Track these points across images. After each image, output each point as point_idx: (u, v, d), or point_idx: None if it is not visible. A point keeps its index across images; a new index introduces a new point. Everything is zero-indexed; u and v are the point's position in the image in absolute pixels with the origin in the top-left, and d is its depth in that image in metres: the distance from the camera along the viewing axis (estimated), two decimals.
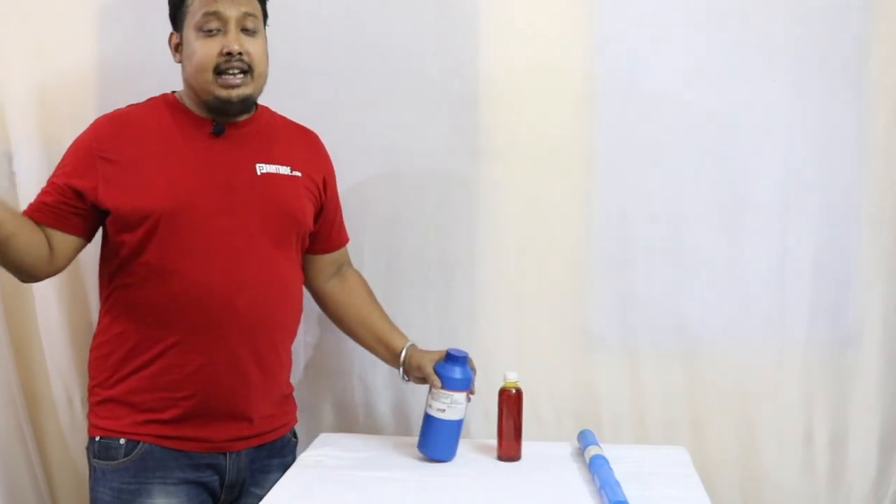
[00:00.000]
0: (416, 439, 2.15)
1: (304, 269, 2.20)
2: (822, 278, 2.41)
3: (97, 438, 2.03)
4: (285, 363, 2.14)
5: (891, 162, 2.40)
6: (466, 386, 2.08)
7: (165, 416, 1.99)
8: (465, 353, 2.10)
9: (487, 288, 2.47)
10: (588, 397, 2.45)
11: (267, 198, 2.04)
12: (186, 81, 2.04)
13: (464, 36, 2.43)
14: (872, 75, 2.38)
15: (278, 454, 2.14)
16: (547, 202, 2.45)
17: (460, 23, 2.43)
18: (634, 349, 2.44)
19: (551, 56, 2.43)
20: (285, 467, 2.08)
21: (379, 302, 2.27)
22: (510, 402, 2.10)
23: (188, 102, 2.05)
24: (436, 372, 2.09)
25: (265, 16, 2.09)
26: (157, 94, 2.09)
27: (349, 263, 2.31)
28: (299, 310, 2.15)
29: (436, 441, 2.09)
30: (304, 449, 2.20)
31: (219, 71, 1.97)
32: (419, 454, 2.12)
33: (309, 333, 2.42)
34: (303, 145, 2.17)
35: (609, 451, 2.07)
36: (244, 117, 2.07)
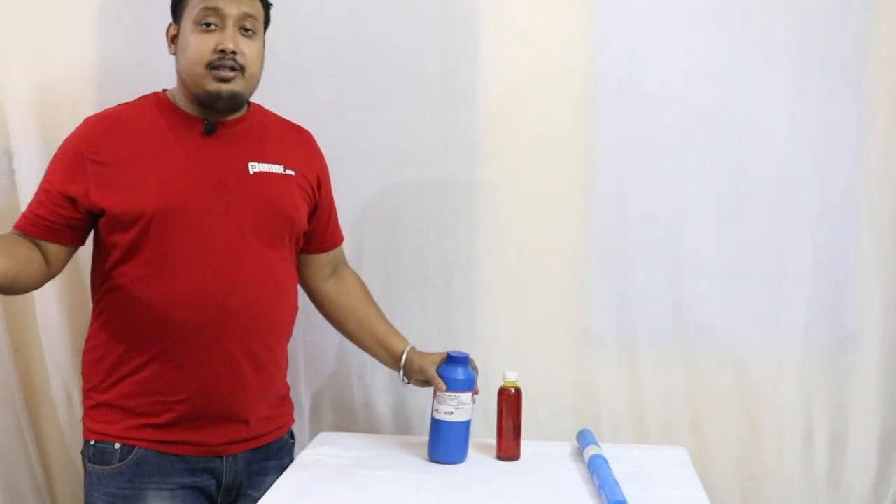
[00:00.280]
0: (415, 438, 2.15)
1: (300, 269, 2.18)
2: (821, 278, 2.42)
3: (92, 442, 2.01)
4: (281, 364, 2.12)
5: (890, 162, 2.40)
6: (471, 386, 2.08)
7: (160, 420, 1.97)
8: (465, 354, 2.10)
9: (487, 288, 2.47)
10: (587, 397, 2.45)
11: (259, 197, 2.01)
12: (178, 74, 2.02)
13: (464, 36, 2.44)
14: (872, 75, 2.39)
15: (275, 456, 2.12)
16: (547, 202, 2.45)
17: (461, 23, 2.43)
18: (634, 349, 2.44)
19: (551, 56, 2.43)
20: (282, 469, 2.05)
21: (376, 302, 2.26)
22: (510, 402, 2.10)
23: (179, 100, 2.03)
24: (439, 374, 2.08)
25: (267, 21, 2.08)
26: None
27: (345, 263, 2.29)
28: (294, 309, 2.13)
29: (447, 444, 2.08)
30: (302, 449, 2.19)
31: (211, 67, 1.95)
32: (419, 453, 2.12)
33: (308, 332, 2.42)
34: (296, 144, 2.15)
35: (608, 450, 2.06)
36: (236, 115, 2.05)
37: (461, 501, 1.93)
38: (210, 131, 2.00)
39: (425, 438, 2.12)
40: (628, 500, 1.80)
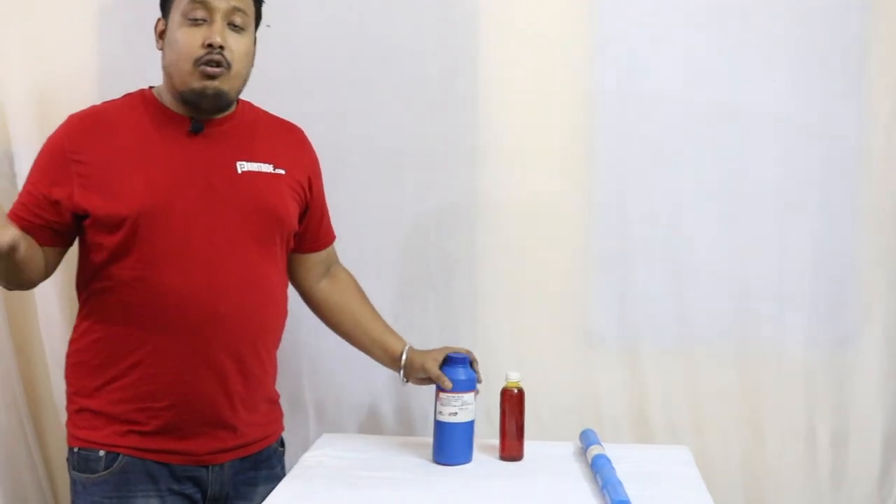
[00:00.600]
0: (419, 439, 2.15)
1: (293, 270, 2.15)
2: (822, 277, 2.42)
3: (76, 449, 1.97)
4: (269, 370, 2.07)
5: (890, 161, 2.41)
6: (473, 386, 2.08)
7: (145, 427, 1.93)
8: (464, 354, 2.10)
9: (488, 289, 2.47)
10: (590, 397, 2.45)
11: (248, 197, 1.96)
12: (165, 70, 1.97)
13: (464, 37, 2.43)
14: (872, 75, 2.39)
15: (265, 465, 2.08)
16: (547, 202, 2.45)
17: (461, 24, 2.43)
18: (635, 349, 2.44)
19: (551, 57, 2.43)
20: (274, 478, 2.04)
21: (372, 302, 2.23)
22: (512, 402, 2.10)
23: (166, 98, 1.98)
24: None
25: (259, 17, 2.03)
26: None
27: (337, 261, 2.25)
28: (284, 314, 2.08)
29: (452, 446, 2.07)
30: (294, 454, 2.17)
31: (198, 63, 1.90)
32: (422, 454, 2.12)
33: (310, 333, 2.41)
34: (286, 142, 2.09)
35: (611, 450, 2.06)
36: (223, 113, 2.00)
37: (464, 502, 1.93)
38: (197, 130, 1.96)
39: (429, 439, 2.12)
40: (631, 499, 1.80)
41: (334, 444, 2.21)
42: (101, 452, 1.94)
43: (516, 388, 2.11)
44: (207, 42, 1.89)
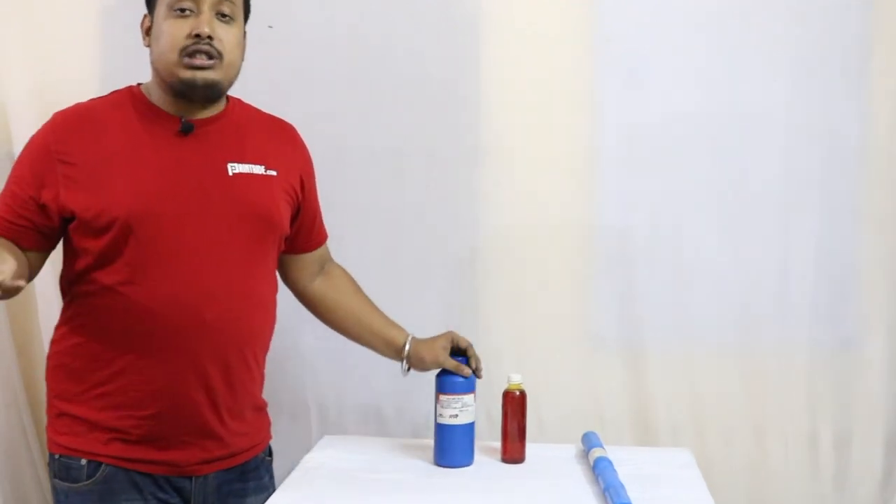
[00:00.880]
0: (421, 441, 2.14)
1: (286, 270, 2.12)
2: (824, 278, 2.42)
3: (57, 456, 1.91)
4: (257, 378, 2.01)
5: (892, 162, 2.41)
6: (472, 387, 2.08)
7: (129, 435, 1.87)
8: (463, 356, 2.10)
9: (490, 290, 2.47)
10: (592, 399, 2.45)
11: (239, 200, 1.91)
12: (153, 65, 1.90)
13: (465, 37, 2.43)
14: (873, 76, 2.39)
15: (253, 475, 2.03)
16: (548, 203, 2.45)
17: (462, 24, 2.43)
18: (637, 351, 2.44)
19: (552, 57, 2.43)
20: (262, 489, 2.01)
21: (367, 295, 2.19)
22: (514, 404, 2.10)
23: (154, 95, 1.91)
24: (440, 379, 2.07)
25: (248, 8, 1.96)
26: None
27: (331, 259, 2.20)
28: (273, 320, 2.03)
29: (453, 448, 2.07)
30: (295, 455, 2.15)
31: (186, 54, 1.83)
32: (424, 456, 2.11)
33: (312, 335, 2.41)
34: (278, 140, 2.03)
35: (613, 453, 2.06)
36: (214, 112, 1.93)
37: None
38: (187, 131, 1.89)
39: (430, 441, 2.12)
40: (633, 502, 1.79)
41: (336, 445, 2.21)
42: (83, 461, 1.89)
43: (518, 390, 2.10)
44: (195, 32, 1.83)
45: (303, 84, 2.40)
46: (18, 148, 2.36)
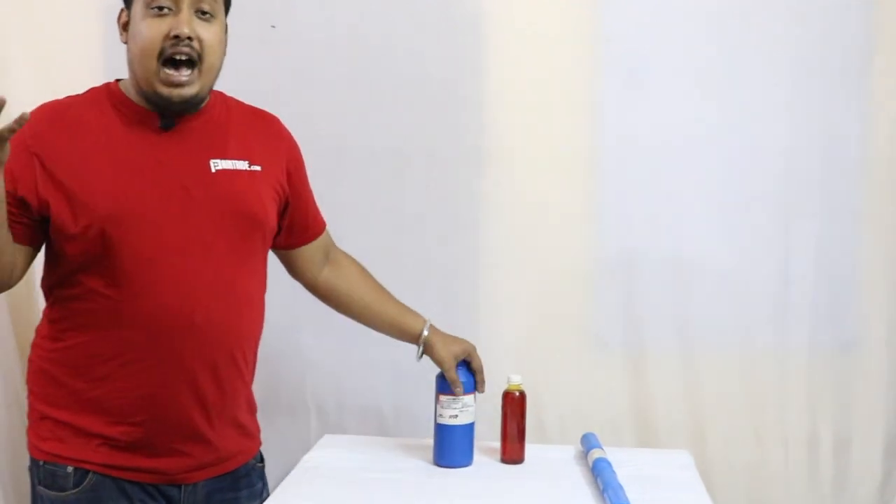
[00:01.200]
0: (420, 440, 2.15)
1: (291, 265, 2.09)
2: (825, 281, 2.42)
3: (42, 463, 1.85)
4: (247, 381, 1.96)
5: (893, 164, 2.40)
6: (472, 388, 2.09)
7: (116, 442, 1.82)
8: (464, 358, 2.11)
9: (491, 291, 2.47)
10: (591, 400, 2.45)
11: (223, 198, 1.84)
12: (130, 65, 1.82)
13: (466, 37, 2.43)
14: (875, 78, 2.39)
15: (244, 482, 1.98)
16: (550, 205, 2.46)
17: (463, 24, 2.43)
18: (638, 352, 2.45)
19: (554, 58, 2.43)
20: (255, 496, 1.98)
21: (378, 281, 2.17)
22: (514, 405, 2.10)
23: (133, 93, 1.83)
24: (440, 379, 2.08)
25: (228, 3, 1.88)
26: None
27: (335, 246, 2.15)
28: (261, 320, 1.97)
29: (453, 448, 2.07)
30: (295, 454, 2.16)
31: (164, 57, 1.75)
32: (423, 456, 2.12)
33: (311, 334, 2.42)
34: (262, 134, 1.96)
35: (612, 454, 2.06)
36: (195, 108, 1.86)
37: None
38: (167, 127, 1.82)
39: (430, 441, 2.12)
40: (632, 503, 1.80)
41: (335, 444, 2.22)
42: (70, 468, 1.83)
43: (518, 390, 2.11)
44: (174, 33, 1.75)
45: (304, 84, 2.40)
46: None
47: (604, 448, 2.10)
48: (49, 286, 1.86)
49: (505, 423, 2.11)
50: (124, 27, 1.84)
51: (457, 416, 2.06)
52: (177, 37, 1.75)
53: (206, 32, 1.78)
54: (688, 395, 2.44)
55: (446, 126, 2.44)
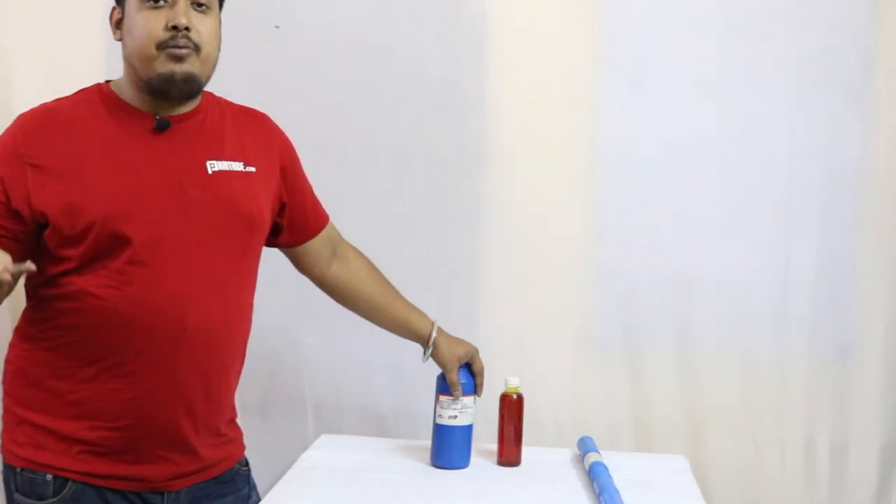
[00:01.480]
0: (418, 441, 2.15)
1: (298, 262, 2.07)
2: (824, 287, 2.42)
3: (19, 469, 1.79)
4: (232, 387, 1.93)
5: (894, 173, 2.40)
6: (472, 389, 2.10)
7: (97, 447, 1.77)
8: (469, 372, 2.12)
9: (490, 292, 2.48)
10: (589, 404, 2.45)
11: (221, 200, 1.81)
12: (126, 59, 1.80)
13: (468, 38, 2.43)
14: (877, 86, 2.39)
15: (229, 488, 1.95)
16: (551, 206, 2.46)
17: (466, 27, 2.43)
18: (636, 356, 2.45)
19: (556, 59, 2.43)
20: (242, 501, 1.96)
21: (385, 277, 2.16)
22: (511, 408, 2.10)
23: (126, 92, 1.81)
24: (441, 380, 2.08)
25: None
26: None
27: (342, 240, 2.13)
28: (249, 325, 1.93)
29: (451, 449, 2.08)
30: (292, 454, 2.16)
31: (163, 48, 1.73)
32: (421, 457, 2.12)
33: (310, 334, 2.42)
34: (254, 133, 1.93)
35: (608, 458, 2.07)
36: (188, 108, 1.83)
37: None
38: (162, 127, 1.79)
39: (427, 442, 2.12)
40: None
41: (333, 444, 2.22)
42: (49, 476, 1.77)
43: (515, 393, 2.11)
44: (172, 24, 1.73)
45: (305, 84, 2.40)
46: None
47: (600, 452, 2.11)
48: (34, 286, 1.81)
49: (502, 425, 2.11)
50: (117, 24, 1.82)
51: (456, 416, 2.07)
52: (175, 28, 1.73)
53: (202, 24, 1.77)
54: (685, 399, 2.44)
55: (447, 126, 2.45)
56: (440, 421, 2.08)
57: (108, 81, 1.86)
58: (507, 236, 2.47)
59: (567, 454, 2.21)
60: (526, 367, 2.34)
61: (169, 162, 1.80)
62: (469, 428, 2.09)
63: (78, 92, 1.85)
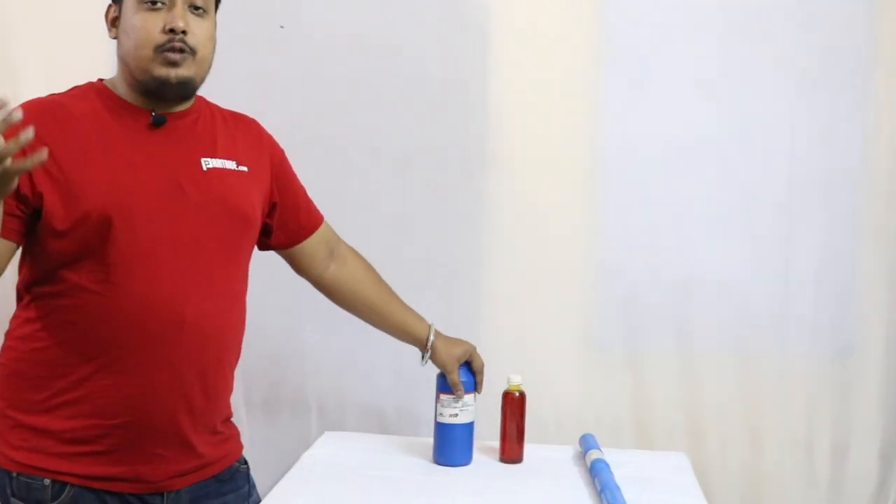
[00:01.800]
0: (420, 439, 2.16)
1: (296, 263, 2.07)
2: (824, 287, 2.42)
3: (15, 475, 1.76)
4: (229, 385, 1.91)
5: (894, 172, 2.41)
6: (472, 387, 2.10)
7: (95, 447, 1.74)
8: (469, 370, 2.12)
9: (492, 291, 2.48)
10: (590, 402, 2.46)
11: (215, 196, 1.81)
12: (122, 59, 1.79)
13: (469, 39, 2.44)
14: (876, 87, 2.39)
15: (229, 485, 1.93)
16: (552, 207, 2.46)
17: (469, 27, 2.44)
18: (637, 355, 2.45)
19: (558, 60, 2.44)
20: (243, 498, 1.95)
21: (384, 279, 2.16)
22: (513, 405, 2.11)
23: (121, 90, 1.80)
24: (441, 379, 2.09)
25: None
26: None
27: (340, 241, 2.13)
28: (244, 322, 1.92)
29: (452, 447, 2.09)
30: (295, 452, 2.16)
31: (159, 50, 1.73)
32: (423, 454, 2.13)
33: (313, 332, 2.42)
34: (244, 136, 1.94)
35: (610, 455, 2.07)
36: (183, 107, 1.83)
37: (463, 503, 1.93)
38: (159, 123, 1.79)
39: (429, 440, 2.13)
40: None
41: (335, 442, 2.23)
42: (47, 481, 1.74)
43: (517, 391, 2.12)
44: (169, 27, 1.73)
45: (308, 84, 2.41)
46: None
47: (602, 449, 2.11)
48: (27, 283, 1.78)
49: (504, 422, 2.12)
50: (112, 23, 1.82)
51: (457, 415, 2.07)
52: (172, 31, 1.73)
53: (198, 27, 1.77)
54: (686, 397, 2.45)
55: (448, 126, 2.45)
56: (441, 419, 2.09)
57: (100, 80, 1.86)
58: (508, 236, 2.47)
59: (569, 451, 2.21)
60: (526, 366, 2.33)
61: (165, 157, 1.79)
62: (470, 425, 2.10)
63: (72, 88, 1.84)
